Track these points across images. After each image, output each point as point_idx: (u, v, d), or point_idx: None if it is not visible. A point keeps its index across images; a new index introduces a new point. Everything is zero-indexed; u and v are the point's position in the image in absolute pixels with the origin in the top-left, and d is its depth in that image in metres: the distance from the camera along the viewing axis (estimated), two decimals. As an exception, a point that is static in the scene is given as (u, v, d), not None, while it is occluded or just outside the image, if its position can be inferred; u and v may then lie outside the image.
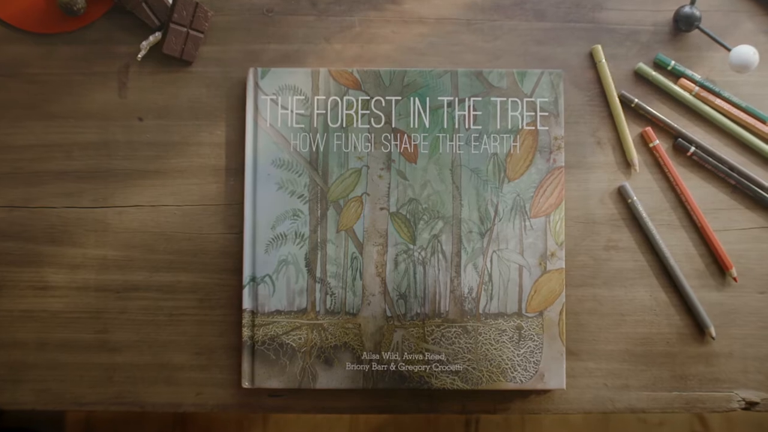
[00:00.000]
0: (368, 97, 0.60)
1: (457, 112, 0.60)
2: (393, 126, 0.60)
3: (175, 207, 0.61)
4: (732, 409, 0.60)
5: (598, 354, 0.60)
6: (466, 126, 0.60)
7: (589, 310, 0.61)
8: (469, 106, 0.60)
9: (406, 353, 0.59)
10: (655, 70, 0.61)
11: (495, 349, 0.59)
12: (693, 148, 0.61)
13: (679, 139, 0.61)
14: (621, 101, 0.61)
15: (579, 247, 0.61)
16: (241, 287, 0.60)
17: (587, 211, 0.61)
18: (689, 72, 0.61)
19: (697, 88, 0.61)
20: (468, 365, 0.59)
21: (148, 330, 0.60)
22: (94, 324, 0.61)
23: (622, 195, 0.61)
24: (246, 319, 0.59)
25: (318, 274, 0.59)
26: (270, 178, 0.60)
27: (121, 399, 0.60)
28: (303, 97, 0.60)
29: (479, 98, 0.60)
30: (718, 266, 0.61)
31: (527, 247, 0.59)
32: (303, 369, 0.59)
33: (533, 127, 0.60)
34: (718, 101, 0.61)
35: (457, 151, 0.60)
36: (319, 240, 0.59)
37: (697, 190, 0.61)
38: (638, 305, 0.61)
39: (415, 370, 0.59)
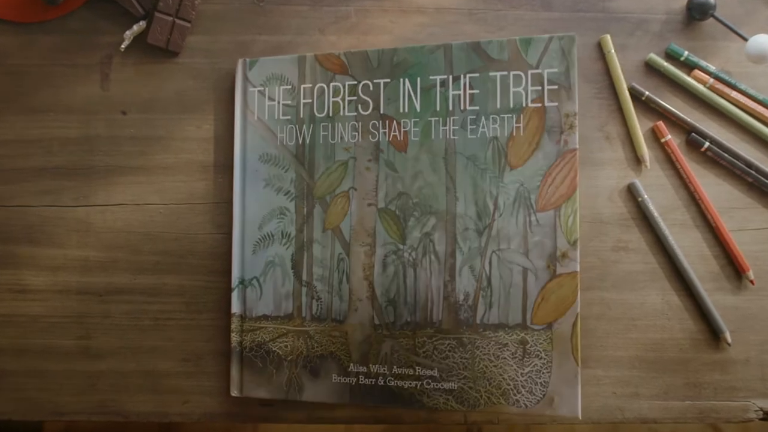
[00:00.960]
0: (355, 82, 0.57)
1: (451, 92, 0.55)
2: (381, 112, 0.56)
3: (160, 205, 0.59)
4: (749, 419, 0.59)
5: (607, 361, 0.59)
6: (462, 107, 0.55)
7: (597, 314, 0.59)
8: (464, 84, 0.55)
9: (395, 366, 0.54)
10: (667, 61, 0.60)
11: (494, 366, 0.53)
12: (707, 144, 0.59)
13: (693, 134, 0.59)
14: (631, 94, 0.60)
15: (587, 247, 0.59)
16: (229, 290, 0.58)
17: (595, 210, 0.59)
18: (703, 63, 0.60)
19: (711, 80, 0.59)
20: (463, 384, 0.53)
21: (133, 335, 0.60)
22: (75, 329, 0.60)
23: (632, 193, 0.59)
24: (235, 324, 0.56)
25: (304, 277, 0.56)
26: (258, 174, 0.57)
27: (104, 408, 0.59)
28: (290, 87, 0.57)
29: (476, 74, 0.55)
30: (733, 268, 0.59)
31: (533, 246, 0.54)
32: (289, 379, 0.56)
33: (540, 104, 0.53)
34: (734, 94, 0.59)
35: (451, 137, 0.55)
36: (305, 240, 0.56)
37: (712, 187, 0.59)
38: (649, 309, 0.59)
39: (405, 386, 0.54)
